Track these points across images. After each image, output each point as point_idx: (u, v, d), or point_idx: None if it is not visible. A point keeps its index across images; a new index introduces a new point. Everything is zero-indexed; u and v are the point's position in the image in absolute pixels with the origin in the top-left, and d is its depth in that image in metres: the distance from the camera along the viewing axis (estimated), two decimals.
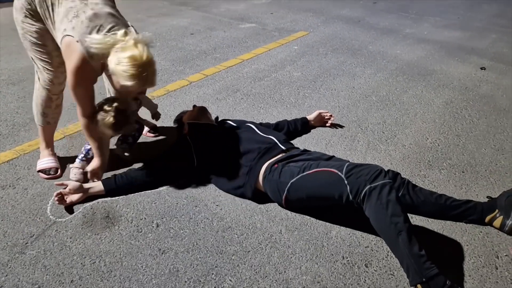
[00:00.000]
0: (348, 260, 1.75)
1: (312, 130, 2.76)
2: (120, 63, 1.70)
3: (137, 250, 1.75)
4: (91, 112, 1.99)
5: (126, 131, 2.20)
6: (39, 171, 2.23)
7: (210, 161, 2.14)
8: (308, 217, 1.98)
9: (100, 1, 1.84)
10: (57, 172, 2.23)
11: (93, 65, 1.81)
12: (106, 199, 2.04)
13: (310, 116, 2.77)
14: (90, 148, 2.21)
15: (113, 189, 2.06)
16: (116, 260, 1.69)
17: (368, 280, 1.66)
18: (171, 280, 1.61)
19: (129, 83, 1.73)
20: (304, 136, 2.69)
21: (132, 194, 2.07)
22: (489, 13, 6.44)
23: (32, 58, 2.04)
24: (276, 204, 2.04)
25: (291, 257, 1.75)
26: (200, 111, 2.43)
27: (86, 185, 2.03)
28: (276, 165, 1.98)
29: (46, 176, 2.20)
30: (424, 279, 1.51)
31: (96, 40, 1.71)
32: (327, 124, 2.81)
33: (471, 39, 5.05)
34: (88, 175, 2.12)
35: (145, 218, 1.93)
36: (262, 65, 3.86)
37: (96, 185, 2.05)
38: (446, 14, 6.24)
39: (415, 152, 2.58)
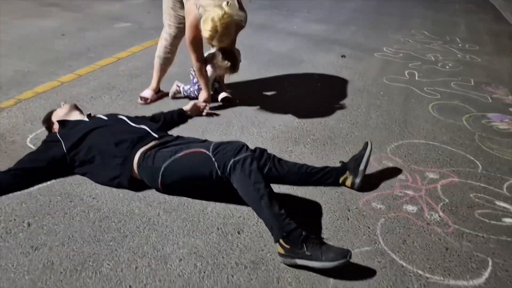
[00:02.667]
0: (222, 230, 1.90)
1: (189, 120, 2.87)
2: (205, 19, 2.54)
3: (7, 251, 1.69)
4: (202, 58, 2.93)
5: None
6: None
7: (82, 156, 2.13)
8: (185, 198, 2.09)
9: None
10: (147, 101, 3.13)
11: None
12: None
13: (186, 107, 2.88)
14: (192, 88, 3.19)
15: None
16: None
17: (240, 245, 1.83)
18: (46, 273, 1.60)
19: (205, 34, 2.58)
20: (181, 126, 2.80)
21: None
22: (350, 9, 7.19)
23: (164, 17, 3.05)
24: (153, 190, 2.11)
25: (168, 235, 1.85)
26: (70, 108, 2.39)
27: None
28: (149, 152, 2.06)
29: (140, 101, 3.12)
30: (284, 234, 1.71)
31: (204, 2, 2.60)
32: (203, 114, 2.96)
33: (334, 31, 5.61)
34: (201, 102, 2.98)
35: (14, 219, 1.86)
36: (139, 62, 3.87)
37: None
38: (314, 9, 6.83)
39: (284, 131, 2.85)
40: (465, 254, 1.87)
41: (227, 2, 2.53)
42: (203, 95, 3.04)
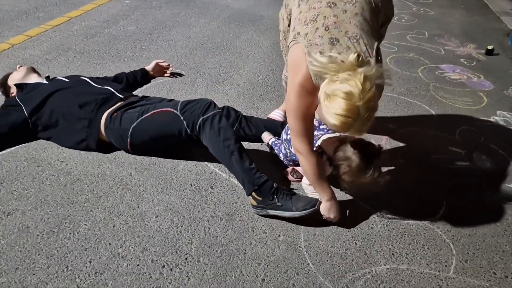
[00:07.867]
0: (195, 187, 1.95)
1: (152, 80, 2.83)
2: (332, 95, 1.39)
3: None
4: (311, 147, 1.74)
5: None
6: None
7: (45, 120, 2.07)
8: (156, 158, 2.10)
9: (353, 6, 1.55)
10: None
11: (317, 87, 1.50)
12: None
13: (149, 67, 2.82)
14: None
15: None
16: None
17: (214, 199, 1.89)
18: (22, 236, 1.60)
19: (332, 121, 1.41)
20: (145, 86, 2.75)
21: None
22: None
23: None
24: (123, 151, 2.11)
25: (143, 194, 1.88)
26: (27, 71, 2.30)
27: None
28: (115, 114, 2.04)
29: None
30: (256, 187, 1.78)
31: (318, 63, 1.43)
32: (166, 74, 2.91)
33: None
34: (331, 220, 1.78)
35: None
36: (93, 21, 3.70)
37: None
38: None
39: (249, 88, 2.87)
40: (423, 195, 2.03)
41: (358, 56, 1.39)
42: (334, 208, 1.77)
